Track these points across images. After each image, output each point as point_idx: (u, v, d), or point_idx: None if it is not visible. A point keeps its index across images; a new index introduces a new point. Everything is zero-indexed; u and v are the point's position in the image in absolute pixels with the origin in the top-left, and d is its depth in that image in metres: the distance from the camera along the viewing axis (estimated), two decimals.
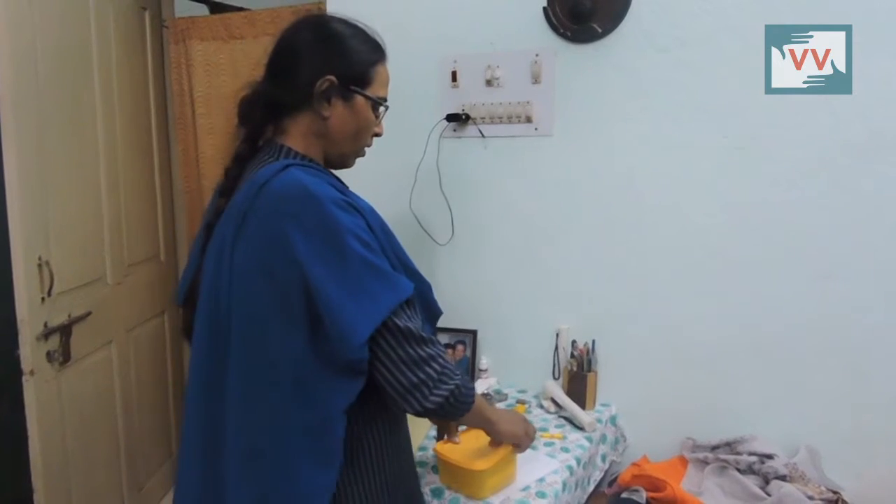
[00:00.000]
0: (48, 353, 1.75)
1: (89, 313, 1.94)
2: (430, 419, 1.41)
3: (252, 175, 1.05)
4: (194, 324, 1.09)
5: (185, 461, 1.10)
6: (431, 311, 1.19)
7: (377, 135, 1.18)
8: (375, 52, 1.12)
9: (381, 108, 1.15)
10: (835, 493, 1.53)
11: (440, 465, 1.47)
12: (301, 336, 0.97)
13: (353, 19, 1.12)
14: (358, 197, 1.09)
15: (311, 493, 1.00)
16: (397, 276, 1.02)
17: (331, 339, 0.96)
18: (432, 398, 1.01)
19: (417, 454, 1.62)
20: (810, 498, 1.49)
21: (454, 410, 1.07)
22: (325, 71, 1.06)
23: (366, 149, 1.19)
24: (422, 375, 1.00)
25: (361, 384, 0.99)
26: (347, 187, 1.13)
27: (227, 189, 1.10)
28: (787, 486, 1.51)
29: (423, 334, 1.02)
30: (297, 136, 1.10)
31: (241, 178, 1.10)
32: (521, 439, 1.34)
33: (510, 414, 1.40)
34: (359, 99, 1.10)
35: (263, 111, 1.10)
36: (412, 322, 1.01)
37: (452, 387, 1.03)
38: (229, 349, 1.01)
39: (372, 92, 1.11)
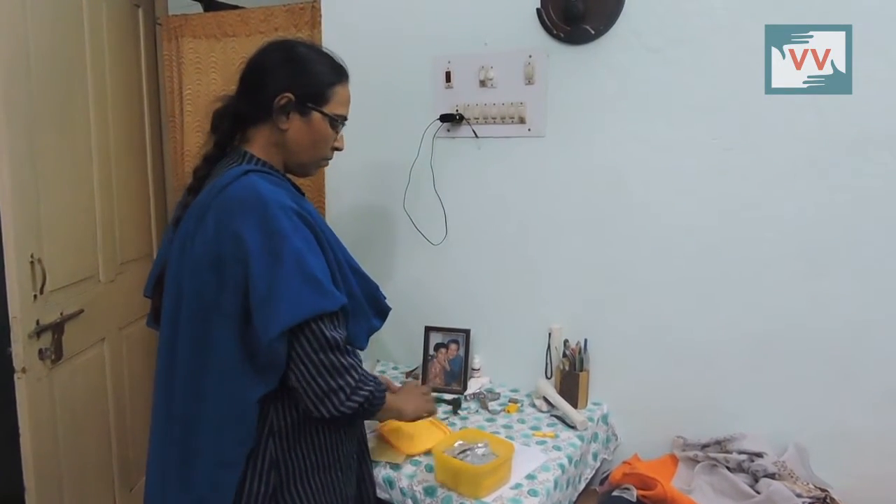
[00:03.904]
0: (40, 351, 1.75)
1: (82, 311, 1.94)
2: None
3: (216, 177, 1.17)
4: (161, 312, 1.20)
5: (152, 430, 1.26)
6: (379, 307, 1.29)
7: (337, 149, 1.30)
8: (335, 74, 1.23)
9: (339, 125, 1.26)
10: (823, 490, 1.55)
11: (437, 465, 1.48)
12: (233, 331, 1.08)
13: (320, 45, 1.24)
14: (309, 205, 1.20)
15: (231, 463, 1.11)
16: (329, 288, 1.09)
17: (254, 334, 1.05)
18: (349, 403, 1.09)
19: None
20: (798, 496, 1.50)
21: (366, 413, 1.18)
22: (285, 88, 1.18)
23: (328, 160, 1.30)
24: (340, 382, 1.08)
25: (275, 382, 1.09)
26: (304, 194, 1.24)
27: (194, 188, 1.22)
28: (775, 484, 1.53)
29: (346, 346, 1.11)
30: (258, 144, 1.22)
31: (208, 178, 1.21)
32: (423, 413, 1.43)
33: (410, 395, 1.44)
34: (315, 115, 1.21)
35: (231, 122, 1.23)
36: (336, 332, 1.09)
37: (367, 393, 1.12)
38: (178, 337, 1.13)
39: (329, 110, 1.22)
